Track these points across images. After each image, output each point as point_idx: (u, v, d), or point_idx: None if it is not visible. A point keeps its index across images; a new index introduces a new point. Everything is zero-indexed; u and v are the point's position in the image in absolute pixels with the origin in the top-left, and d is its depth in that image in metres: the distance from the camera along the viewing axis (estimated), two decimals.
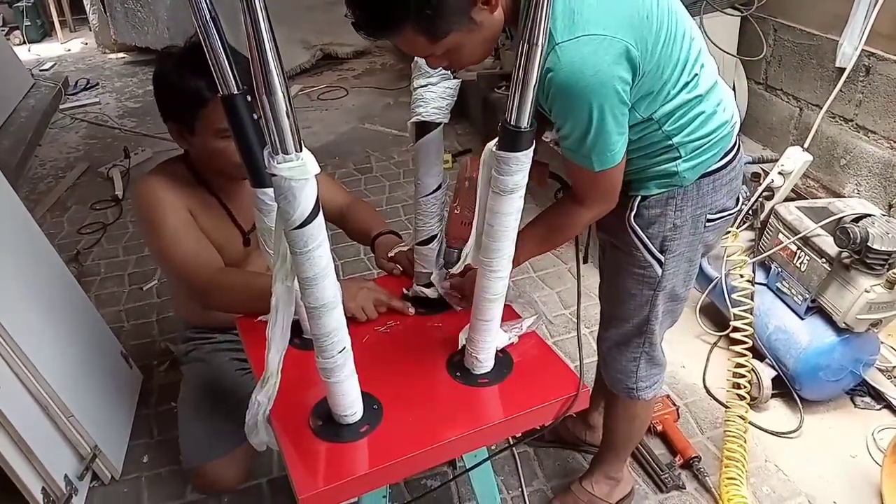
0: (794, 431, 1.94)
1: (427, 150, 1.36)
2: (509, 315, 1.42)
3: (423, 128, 1.33)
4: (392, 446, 1.17)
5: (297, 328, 1.46)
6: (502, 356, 1.35)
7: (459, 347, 1.35)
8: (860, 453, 1.87)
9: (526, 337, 1.40)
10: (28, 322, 1.76)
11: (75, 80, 5.56)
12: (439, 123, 1.33)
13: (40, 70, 5.84)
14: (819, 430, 1.95)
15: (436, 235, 1.47)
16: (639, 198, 1.32)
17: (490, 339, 1.27)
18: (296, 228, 0.93)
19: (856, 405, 2.02)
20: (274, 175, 0.88)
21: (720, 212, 1.34)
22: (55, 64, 6.09)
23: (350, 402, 1.18)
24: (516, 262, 1.22)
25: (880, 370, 2.07)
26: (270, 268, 1.15)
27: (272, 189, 1.21)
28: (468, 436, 1.20)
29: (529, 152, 1.05)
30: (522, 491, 1.79)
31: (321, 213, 0.95)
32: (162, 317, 2.62)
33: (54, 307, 1.93)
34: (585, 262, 1.58)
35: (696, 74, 1.21)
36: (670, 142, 1.24)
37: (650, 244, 1.34)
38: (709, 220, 1.33)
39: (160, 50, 1.64)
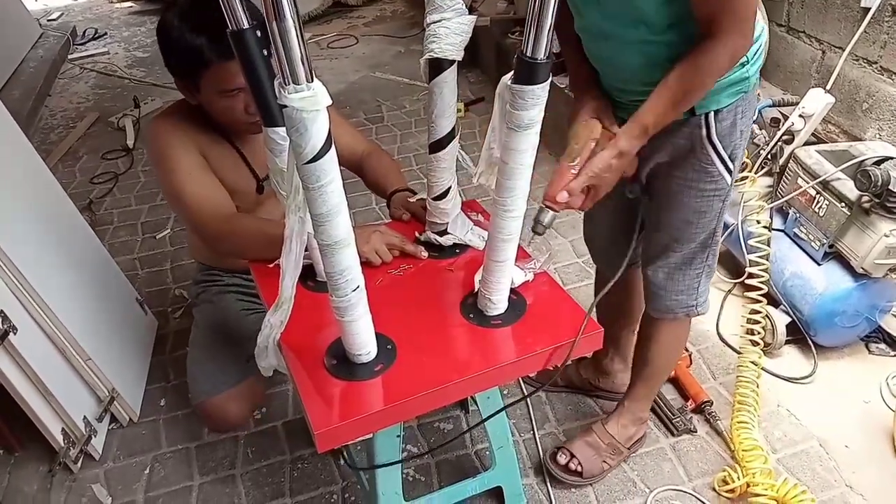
0: (807, 377, 1.93)
1: (441, 90, 1.32)
2: (521, 255, 1.41)
3: (437, 66, 1.30)
4: (405, 385, 1.17)
5: (311, 271, 1.46)
6: (515, 298, 1.34)
7: (475, 289, 1.35)
8: (873, 399, 1.86)
9: (539, 279, 1.40)
10: (45, 268, 1.77)
11: (83, 29, 5.50)
12: (453, 61, 1.29)
13: (48, 20, 5.78)
14: (832, 376, 1.94)
15: (449, 189, 1.45)
16: (711, 113, 1.27)
17: (504, 280, 1.26)
18: (308, 162, 0.92)
19: (870, 351, 2.01)
20: (285, 106, 0.86)
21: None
22: (62, 14, 6.03)
23: (364, 342, 1.18)
24: (645, 129, 1.20)
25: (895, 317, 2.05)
26: (285, 209, 1.15)
27: (284, 128, 1.20)
28: (481, 375, 1.20)
29: (546, 85, 1.02)
30: (534, 434, 1.81)
31: (333, 148, 0.94)
32: (175, 265, 2.63)
33: (70, 253, 1.94)
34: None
35: None
36: None
37: (725, 156, 1.31)
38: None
39: None
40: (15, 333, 1.59)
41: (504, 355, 1.23)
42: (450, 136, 1.39)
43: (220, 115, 1.57)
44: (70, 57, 5.00)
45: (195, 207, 1.58)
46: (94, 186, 3.26)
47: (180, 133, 1.60)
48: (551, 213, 1.29)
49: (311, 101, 0.86)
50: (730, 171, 1.34)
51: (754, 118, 1.38)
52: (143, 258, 2.70)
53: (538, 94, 1.02)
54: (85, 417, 1.79)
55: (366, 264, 1.44)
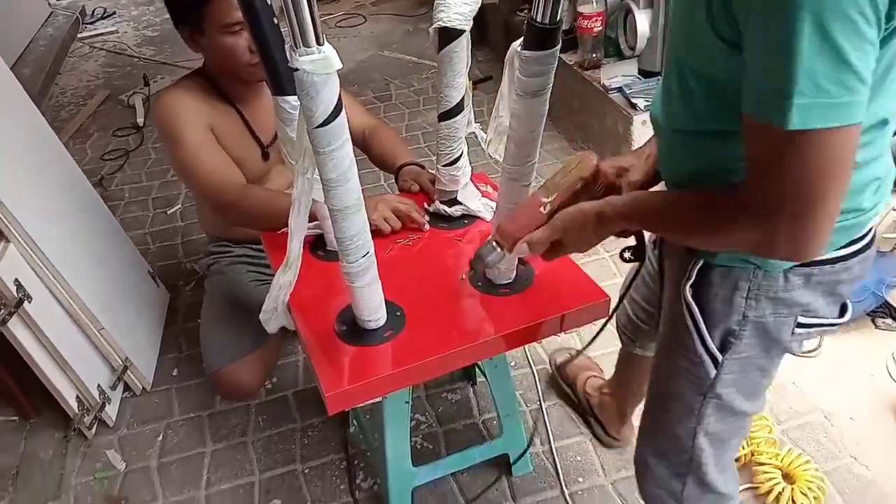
0: (813, 351, 1.94)
1: (450, 60, 1.33)
2: None
3: (447, 36, 1.30)
4: (414, 350, 1.19)
5: (321, 241, 1.48)
6: (523, 268, 1.36)
7: None
8: (879, 373, 1.87)
9: None
10: (59, 239, 1.79)
11: (92, 8, 5.50)
12: (462, 31, 1.30)
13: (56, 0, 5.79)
14: (838, 350, 1.95)
15: (460, 156, 1.46)
16: (700, 262, 0.94)
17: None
18: (318, 127, 0.93)
19: (877, 326, 2.01)
20: (295, 70, 0.87)
21: (818, 318, 0.92)
22: None
23: (374, 308, 1.20)
24: (601, 218, 0.92)
25: None
26: (293, 178, 1.17)
27: (294, 97, 1.22)
28: (488, 342, 1.22)
29: (555, 52, 1.03)
30: (541, 404, 1.83)
31: (344, 112, 0.95)
32: (186, 239, 2.66)
33: (83, 226, 1.97)
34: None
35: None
36: None
37: (706, 333, 0.96)
38: (801, 326, 0.91)
39: None
40: (30, 302, 1.62)
41: (511, 323, 1.25)
42: (459, 107, 1.40)
43: (225, 60, 1.61)
44: (79, 36, 5.01)
45: (205, 179, 1.62)
46: (105, 163, 3.28)
47: (187, 107, 1.64)
48: (499, 252, 1.05)
49: (321, 64, 0.87)
50: (715, 362, 0.97)
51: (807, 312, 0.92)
52: (155, 233, 2.72)
53: (548, 60, 1.03)
54: (99, 385, 1.82)
55: (376, 233, 1.47)
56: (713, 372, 0.98)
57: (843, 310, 0.96)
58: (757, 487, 1.59)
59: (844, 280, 0.90)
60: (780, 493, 1.55)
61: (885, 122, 0.78)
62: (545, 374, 1.93)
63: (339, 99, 0.93)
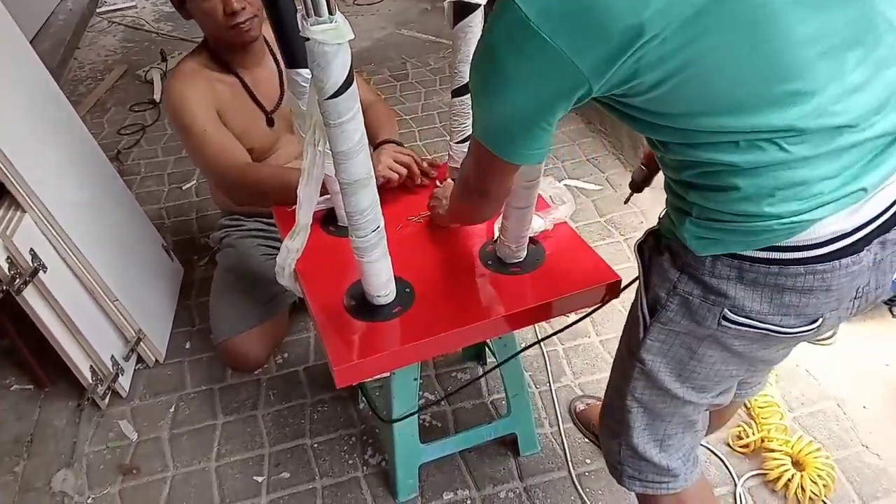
0: (827, 339, 1.92)
1: (465, 35, 1.32)
2: (541, 204, 1.41)
3: (462, 10, 1.29)
4: (423, 326, 1.19)
5: (332, 217, 1.48)
6: (534, 247, 1.35)
7: (494, 238, 1.36)
8: (894, 362, 1.85)
9: (559, 229, 1.40)
10: (75, 211, 1.81)
11: None
12: (478, 5, 1.28)
13: None
14: (854, 338, 1.93)
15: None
16: (655, 228, 1.01)
17: (524, 228, 1.26)
18: (329, 98, 0.93)
19: (893, 315, 1.98)
20: (307, 39, 0.87)
21: (749, 318, 0.90)
22: None
23: (383, 283, 1.20)
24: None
25: None
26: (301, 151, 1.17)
27: (307, 70, 1.21)
28: (497, 320, 1.22)
29: None
30: (550, 386, 1.83)
31: (355, 84, 0.94)
32: (200, 215, 2.67)
33: (99, 198, 1.98)
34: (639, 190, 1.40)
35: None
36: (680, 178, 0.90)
37: (643, 292, 1.00)
38: (726, 320, 0.91)
39: None
40: (45, 272, 1.64)
41: (521, 301, 1.24)
42: None
43: (208, 23, 1.66)
44: (98, 10, 5.02)
45: (212, 162, 1.69)
46: (122, 137, 3.29)
47: (191, 91, 1.69)
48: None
49: (333, 34, 0.86)
50: (645, 324, 1.00)
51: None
52: (170, 208, 2.73)
53: None
54: (112, 356, 1.84)
55: (387, 183, 1.49)
56: (641, 334, 1.01)
57: (813, 323, 0.92)
58: (766, 474, 1.59)
59: (790, 288, 0.86)
60: (789, 479, 1.54)
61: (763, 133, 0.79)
62: (555, 356, 1.92)
63: (351, 70, 0.92)
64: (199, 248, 2.47)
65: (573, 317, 1.40)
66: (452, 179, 1.51)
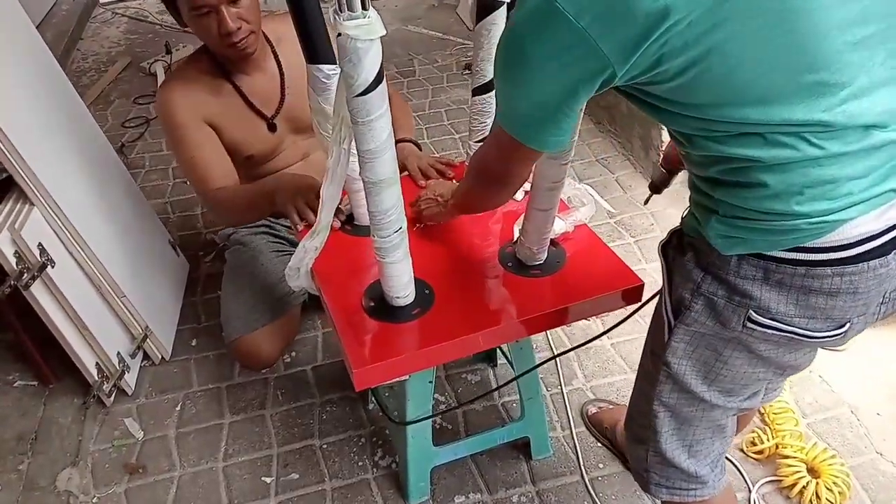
0: (841, 345, 1.90)
1: (489, 32, 1.30)
2: (561, 207, 1.39)
3: (485, 7, 1.27)
4: (443, 329, 1.17)
5: (350, 216, 1.46)
6: (555, 249, 1.33)
7: (514, 239, 1.34)
8: None
9: (579, 231, 1.38)
10: (83, 205, 1.78)
11: None
12: (503, 3, 1.26)
13: None
14: (867, 344, 1.91)
15: None
16: (678, 227, 1.00)
17: (546, 230, 1.25)
18: (358, 95, 0.91)
19: None
20: (339, 35, 0.84)
21: (775, 321, 0.88)
22: None
23: (404, 284, 1.18)
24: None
25: None
26: (325, 149, 1.16)
27: (328, 66, 1.19)
28: (519, 323, 1.20)
29: None
30: (562, 389, 1.81)
31: (385, 81, 0.92)
32: (206, 210, 2.64)
33: (107, 192, 1.95)
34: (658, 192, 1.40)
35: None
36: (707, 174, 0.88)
37: (668, 293, 0.99)
38: (751, 322, 0.89)
39: None
40: (53, 267, 1.61)
41: (542, 305, 1.22)
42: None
43: (204, 38, 1.64)
44: (101, 1, 4.98)
45: (198, 182, 1.72)
46: (126, 130, 3.26)
47: (184, 103, 1.67)
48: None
49: (366, 30, 0.84)
50: (670, 327, 0.98)
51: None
52: (175, 202, 2.71)
53: None
54: (119, 353, 1.82)
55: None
56: (667, 336, 0.99)
57: (841, 328, 0.89)
58: (781, 480, 1.57)
59: (817, 290, 0.84)
60: (804, 487, 1.52)
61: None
62: (566, 360, 1.90)
63: (381, 67, 0.90)
64: (205, 244, 2.45)
65: (611, 319, 1.35)
66: None
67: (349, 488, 1.61)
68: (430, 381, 1.38)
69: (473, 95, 1.39)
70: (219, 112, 1.70)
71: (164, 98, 1.68)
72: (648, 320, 1.10)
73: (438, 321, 1.19)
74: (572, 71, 0.78)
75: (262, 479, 1.64)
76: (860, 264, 0.83)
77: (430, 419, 1.43)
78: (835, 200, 0.79)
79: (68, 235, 1.69)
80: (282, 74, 1.75)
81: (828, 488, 1.51)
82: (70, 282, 1.68)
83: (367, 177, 1.01)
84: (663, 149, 1.22)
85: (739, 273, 0.87)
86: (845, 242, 0.82)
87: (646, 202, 1.45)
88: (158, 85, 3.58)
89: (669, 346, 0.99)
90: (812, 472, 1.57)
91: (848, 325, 0.89)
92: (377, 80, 0.90)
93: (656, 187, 1.39)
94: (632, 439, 1.18)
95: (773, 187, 0.80)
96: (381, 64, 0.90)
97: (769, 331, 0.89)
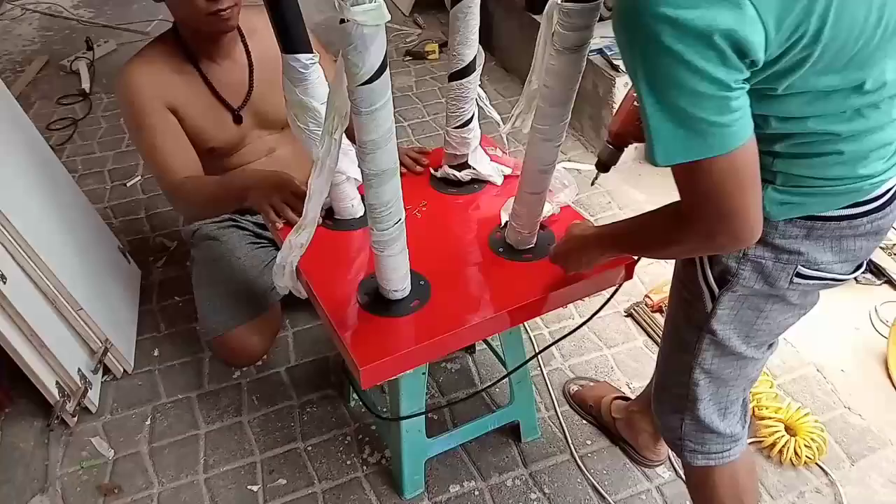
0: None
1: (464, 16, 1.27)
2: None
3: None
4: (443, 320, 1.15)
5: (329, 210, 1.42)
6: (543, 232, 1.33)
7: (501, 224, 1.32)
8: (863, 326, 1.93)
9: (564, 211, 1.38)
10: (31, 215, 1.67)
11: None
12: None
13: None
14: (823, 304, 1.95)
15: (471, 118, 1.41)
16: None
17: (537, 213, 1.24)
18: (363, 84, 0.87)
19: (858, 281, 2.07)
20: (346, 21, 0.80)
21: (819, 271, 0.94)
22: None
23: (401, 277, 1.15)
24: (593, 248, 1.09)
25: (881, 248, 2.12)
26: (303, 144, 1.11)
27: (306, 55, 1.14)
28: (519, 308, 1.19)
29: (599, 4, 0.98)
30: (542, 371, 1.82)
31: (388, 69, 0.89)
32: (152, 212, 2.52)
33: (52, 200, 1.83)
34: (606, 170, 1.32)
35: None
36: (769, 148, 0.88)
37: (707, 267, 1.00)
38: (799, 276, 0.94)
39: None
40: (4, 283, 1.50)
41: (540, 288, 1.22)
42: (471, 66, 1.35)
43: (183, 10, 1.54)
44: None
45: (159, 169, 1.66)
46: (52, 133, 3.06)
47: (147, 86, 1.60)
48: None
49: (374, 15, 0.80)
50: (713, 296, 1.00)
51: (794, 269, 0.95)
52: (116, 206, 2.57)
53: (589, 13, 0.99)
54: (79, 370, 1.71)
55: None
56: (710, 306, 1.01)
57: (857, 268, 0.99)
58: (760, 441, 1.63)
59: (849, 235, 0.93)
60: (784, 445, 1.58)
61: (863, 92, 0.82)
62: (542, 340, 1.91)
63: (386, 54, 0.86)
64: (155, 249, 2.33)
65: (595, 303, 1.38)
66: (450, 166, 1.46)
67: (340, 488, 1.58)
68: (424, 373, 1.36)
69: (450, 80, 1.36)
70: (183, 98, 1.62)
71: (126, 79, 1.59)
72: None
73: (439, 312, 1.17)
74: (724, 37, 0.73)
75: (249, 487, 1.59)
76: (885, 209, 0.93)
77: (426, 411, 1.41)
78: (886, 160, 0.88)
79: (18, 248, 1.58)
80: (251, 66, 1.68)
81: (806, 445, 1.57)
82: (23, 297, 1.56)
83: (367, 168, 0.97)
84: (608, 125, 1.22)
85: (785, 234, 0.92)
86: (880, 194, 0.91)
87: (593, 182, 1.36)
88: (83, 81, 3.41)
89: (715, 314, 1.01)
90: (789, 430, 1.63)
91: (864, 265, 1.00)
92: (382, 68, 0.86)
93: (604, 165, 1.30)
94: (664, 410, 1.20)
95: (847, 154, 0.85)
96: (386, 51, 0.86)
97: (811, 281, 0.95)
